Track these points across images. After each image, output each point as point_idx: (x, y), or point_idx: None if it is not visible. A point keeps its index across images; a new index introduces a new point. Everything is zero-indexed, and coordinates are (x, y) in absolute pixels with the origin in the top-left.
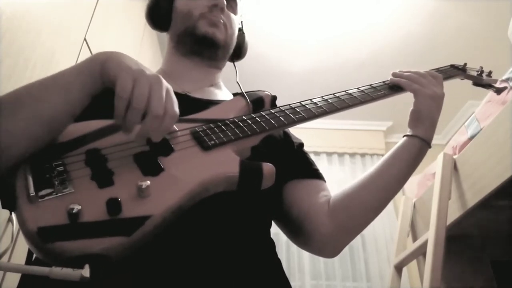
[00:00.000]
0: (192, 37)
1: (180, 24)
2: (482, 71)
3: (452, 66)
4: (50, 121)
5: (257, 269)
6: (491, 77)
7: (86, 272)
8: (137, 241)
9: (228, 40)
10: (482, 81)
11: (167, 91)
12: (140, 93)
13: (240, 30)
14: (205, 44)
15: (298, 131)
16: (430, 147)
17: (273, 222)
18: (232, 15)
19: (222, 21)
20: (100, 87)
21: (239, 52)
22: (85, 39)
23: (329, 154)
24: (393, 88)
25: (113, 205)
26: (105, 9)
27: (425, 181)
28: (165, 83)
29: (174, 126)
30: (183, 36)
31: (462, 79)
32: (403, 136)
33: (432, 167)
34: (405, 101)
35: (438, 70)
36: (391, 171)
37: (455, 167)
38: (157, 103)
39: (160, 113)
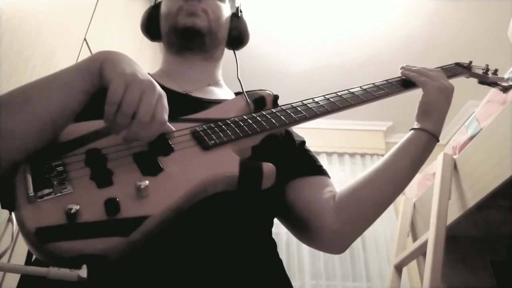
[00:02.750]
0: (176, 33)
1: (164, 26)
2: (487, 69)
3: (457, 64)
4: (51, 120)
5: (258, 269)
6: (497, 75)
7: (83, 272)
8: (135, 241)
9: (213, 25)
10: (488, 79)
11: (159, 97)
12: (130, 99)
13: (236, 15)
14: (189, 35)
15: (297, 131)
16: (438, 141)
17: (275, 221)
18: (215, 1)
19: (200, 9)
20: (100, 85)
21: (238, 38)
22: (85, 39)
23: (329, 154)
24: (397, 86)
25: (111, 205)
26: (105, 9)
27: (425, 181)
28: (158, 89)
29: (173, 126)
30: (169, 35)
31: (467, 77)
32: (410, 130)
33: (432, 167)
34: (405, 101)
35: (443, 68)
36: (397, 165)
37: (455, 167)
38: (145, 110)
39: (146, 120)
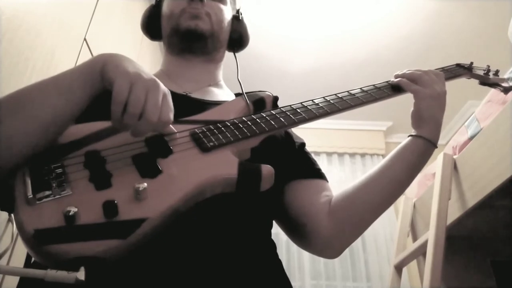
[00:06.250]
0: (178, 35)
1: (166, 26)
2: (489, 70)
3: (458, 65)
4: (51, 123)
5: (258, 270)
6: (498, 76)
7: (81, 275)
8: (133, 243)
9: (215, 29)
10: (489, 80)
11: (164, 96)
12: (136, 98)
13: (237, 18)
14: (191, 38)
15: (297, 131)
16: (436, 147)
17: (273, 223)
18: (218, 4)
19: (204, 12)
20: (101, 88)
21: (238, 41)
22: (85, 39)
23: (329, 154)
24: (396, 88)
25: (110, 207)
26: (105, 9)
27: (425, 181)
28: (162, 88)
29: (173, 127)
30: (171, 37)
31: (468, 78)
32: (408, 136)
33: (432, 167)
34: (405, 101)
35: (443, 69)
36: (393, 171)
37: (455, 167)
38: (152, 108)
39: (154, 119)
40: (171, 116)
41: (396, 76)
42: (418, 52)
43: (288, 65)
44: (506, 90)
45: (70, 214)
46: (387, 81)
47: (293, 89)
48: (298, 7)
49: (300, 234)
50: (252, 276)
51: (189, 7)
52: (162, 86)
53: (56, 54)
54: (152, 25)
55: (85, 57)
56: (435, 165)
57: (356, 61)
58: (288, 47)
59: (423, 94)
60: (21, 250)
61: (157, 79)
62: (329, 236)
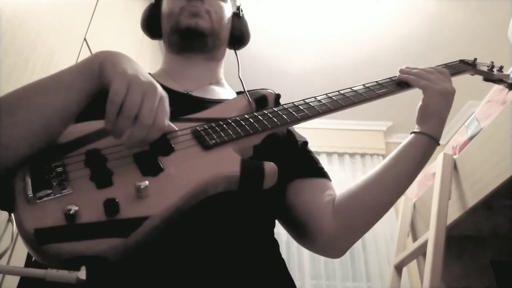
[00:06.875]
0: (177, 33)
1: (166, 25)
2: (493, 66)
3: (462, 61)
4: (51, 122)
5: (261, 269)
6: (502, 72)
7: (82, 274)
8: (135, 242)
9: (215, 26)
10: (493, 76)
11: (161, 100)
12: (132, 100)
13: (237, 15)
14: (191, 36)
15: (298, 131)
16: (438, 144)
17: (276, 222)
18: (218, 1)
19: (203, 10)
20: (99, 87)
21: (239, 38)
22: (85, 39)
23: (329, 154)
24: (400, 84)
25: (111, 206)
26: (105, 9)
27: (425, 181)
28: (159, 92)
29: (174, 126)
30: (171, 35)
31: (472, 75)
32: (411, 133)
33: (432, 167)
34: (405, 101)
35: (447, 65)
36: (397, 169)
37: (455, 167)
38: (147, 113)
39: (149, 123)
40: (166, 121)
41: (402, 71)
42: (418, 52)
43: (288, 65)
44: (510, 86)
45: (70, 212)
46: (390, 78)
47: (293, 89)
48: (298, 7)
49: (303, 233)
50: (255, 275)
51: (188, 5)
52: (159, 89)
53: (56, 54)
54: (152, 24)
55: (85, 57)
56: (435, 165)
57: (356, 61)
58: (288, 47)
59: (433, 89)
60: (21, 250)
61: (154, 82)
62: (333, 235)
